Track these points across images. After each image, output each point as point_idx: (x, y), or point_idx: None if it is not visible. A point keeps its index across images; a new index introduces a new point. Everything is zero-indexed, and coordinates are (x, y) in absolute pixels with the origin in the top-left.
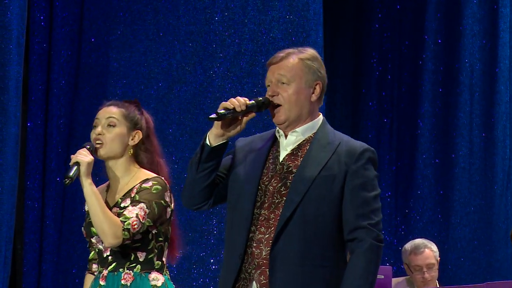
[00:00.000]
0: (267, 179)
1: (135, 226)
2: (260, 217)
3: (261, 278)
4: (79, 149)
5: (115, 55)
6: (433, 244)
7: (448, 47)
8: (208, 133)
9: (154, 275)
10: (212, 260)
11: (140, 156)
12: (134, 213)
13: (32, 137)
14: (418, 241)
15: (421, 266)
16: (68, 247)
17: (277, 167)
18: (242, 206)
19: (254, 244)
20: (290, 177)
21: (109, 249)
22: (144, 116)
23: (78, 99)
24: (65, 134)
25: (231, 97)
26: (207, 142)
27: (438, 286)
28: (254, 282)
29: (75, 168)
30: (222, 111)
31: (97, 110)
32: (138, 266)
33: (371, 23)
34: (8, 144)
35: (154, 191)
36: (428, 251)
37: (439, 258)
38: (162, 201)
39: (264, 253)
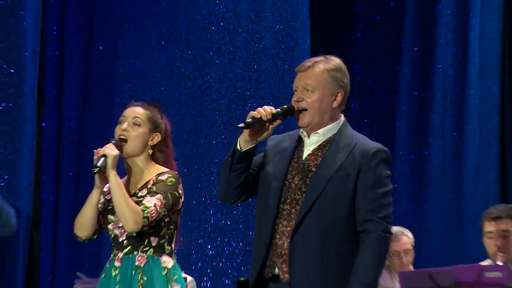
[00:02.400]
0: (290, 177)
1: (153, 215)
2: (284, 212)
3: (283, 266)
4: (106, 143)
5: (121, 62)
6: (409, 231)
7: (423, 54)
8: (238, 138)
9: (164, 258)
10: (209, 246)
11: (156, 155)
12: (152, 202)
13: (46, 136)
14: (396, 229)
15: (399, 252)
16: (82, 249)
17: (300, 165)
18: (269, 201)
19: (278, 236)
20: (310, 176)
21: (125, 234)
22: (164, 121)
23: (88, 102)
24: (77, 133)
25: (233, 105)
26: (238, 147)
27: (412, 269)
28: (277, 268)
29: (102, 159)
30: (250, 120)
31: (124, 108)
32: (151, 250)
33: (355, 32)
34: (25, 142)
35: (169, 183)
36: (405, 238)
37: (414, 244)
38: (176, 193)
39: (286, 244)
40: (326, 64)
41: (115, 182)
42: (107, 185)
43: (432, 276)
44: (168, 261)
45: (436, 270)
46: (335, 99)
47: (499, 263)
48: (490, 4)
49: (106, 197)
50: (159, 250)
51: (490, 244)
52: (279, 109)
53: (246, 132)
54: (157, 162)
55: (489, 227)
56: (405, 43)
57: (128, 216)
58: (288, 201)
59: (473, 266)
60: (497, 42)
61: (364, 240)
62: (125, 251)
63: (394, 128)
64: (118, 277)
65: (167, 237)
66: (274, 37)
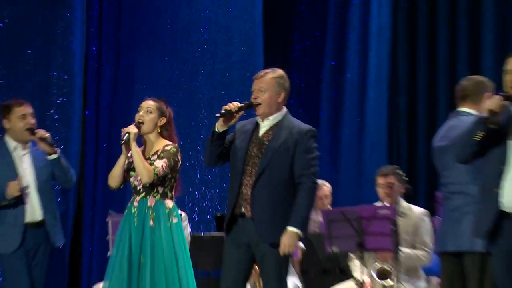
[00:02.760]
0: (251, 148)
1: (160, 172)
2: (247, 171)
3: (247, 207)
4: (129, 125)
5: (138, 71)
6: (328, 183)
7: (337, 67)
8: (216, 124)
9: (167, 201)
10: (196, 193)
11: (163, 132)
12: (160, 164)
13: (89, 120)
14: (320, 181)
15: (321, 196)
16: (112, 195)
17: (257, 140)
18: (237, 165)
19: (243, 187)
20: (264, 147)
21: (141, 185)
22: (168, 109)
23: (116, 97)
24: (109, 118)
25: (218, 103)
26: (216, 129)
27: (330, 208)
28: (243, 208)
29: (126, 135)
30: (223, 111)
31: (140, 102)
32: (158, 195)
33: (293, 52)
34: (75, 124)
35: (172, 152)
36: (325, 187)
37: (331, 191)
38: (176, 158)
39: (248, 193)
40: (273, 74)
41: (135, 151)
42: (130, 152)
43: (343, 212)
44: (169, 203)
45: (345, 208)
46: (279, 97)
47: (387, 204)
48: (383, 37)
49: (129, 160)
50: (164, 195)
51: (381, 192)
52: (243, 104)
53: (221, 119)
54: (163, 137)
55: (380, 180)
56: (326, 59)
57: (144, 172)
58: (250, 164)
59: (370, 206)
60: (386, 57)
61: (300, 189)
62: (141, 196)
63: (319, 117)
64: (136, 213)
65: (169, 187)
66: (240, 55)
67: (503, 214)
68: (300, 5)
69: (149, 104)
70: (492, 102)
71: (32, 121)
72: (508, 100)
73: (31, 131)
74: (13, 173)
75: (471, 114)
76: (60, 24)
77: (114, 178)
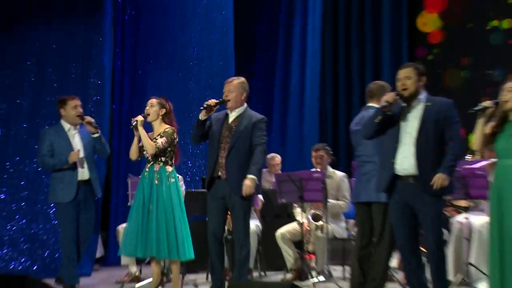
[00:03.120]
0: (223, 131)
1: (160, 146)
2: (221, 147)
3: (223, 171)
4: (138, 115)
5: (150, 80)
6: (279, 155)
7: (285, 76)
8: (200, 114)
9: (168, 167)
10: (189, 162)
11: (165, 120)
12: (160, 141)
13: (115, 113)
14: (273, 154)
15: (274, 164)
16: (131, 165)
17: (228, 126)
18: (214, 143)
19: (219, 158)
20: (232, 130)
21: (150, 156)
22: (168, 104)
23: (133, 99)
24: (128, 111)
25: (203, 100)
26: (200, 118)
27: (281, 172)
28: (219, 172)
29: (135, 122)
30: (205, 106)
31: (147, 100)
32: (161, 163)
33: (255, 65)
34: (104, 116)
35: (169, 133)
36: (277, 158)
37: (280, 161)
38: (172, 136)
39: (223, 162)
40: (238, 80)
41: (142, 132)
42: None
43: (289, 175)
44: (169, 168)
45: (290, 173)
46: (242, 96)
47: (319, 170)
48: (315, 55)
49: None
50: (165, 163)
51: (314, 161)
52: (218, 101)
53: (203, 111)
54: (165, 123)
55: (314, 153)
56: (277, 71)
57: (149, 147)
58: (223, 142)
59: (308, 171)
60: (317, 69)
61: (255, 152)
62: (150, 164)
63: (272, 110)
64: (147, 176)
65: (169, 157)
66: (218, 67)
67: (396, 177)
68: (259, 33)
69: (152, 101)
70: (388, 96)
71: (81, 110)
72: (399, 96)
73: (81, 117)
74: (69, 147)
75: (376, 108)
76: (94, 46)
77: (133, 153)
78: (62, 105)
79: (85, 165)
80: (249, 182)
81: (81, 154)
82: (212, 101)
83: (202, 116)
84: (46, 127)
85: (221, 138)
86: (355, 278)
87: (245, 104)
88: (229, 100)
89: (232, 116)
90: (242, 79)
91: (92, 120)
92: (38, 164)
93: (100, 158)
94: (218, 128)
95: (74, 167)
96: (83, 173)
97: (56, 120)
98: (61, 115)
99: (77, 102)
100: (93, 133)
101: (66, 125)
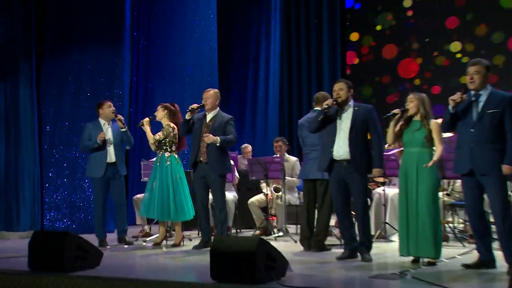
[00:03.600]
0: (203, 127)
1: (157, 138)
2: (202, 139)
3: (204, 156)
4: (145, 117)
5: (157, 90)
6: (250, 145)
7: (255, 88)
8: (186, 115)
9: (166, 153)
10: (186, 152)
11: (170, 118)
12: (158, 134)
13: (132, 114)
14: (246, 144)
15: (247, 152)
16: (145, 152)
17: (206, 123)
18: (196, 136)
19: (201, 146)
20: (209, 127)
21: (153, 145)
22: (174, 107)
23: (146, 101)
24: (142, 111)
25: (190, 101)
26: (186, 117)
27: (251, 158)
28: (201, 157)
29: (141, 122)
30: (190, 108)
31: (155, 106)
32: (163, 150)
33: (233, 79)
34: (124, 117)
35: (166, 128)
36: (249, 147)
37: (251, 149)
38: (170, 129)
39: (204, 149)
40: (214, 90)
41: (147, 130)
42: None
43: (257, 160)
44: (167, 154)
45: (258, 158)
46: (216, 102)
47: (278, 156)
48: (275, 71)
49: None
50: (166, 150)
51: (275, 149)
52: (199, 105)
53: (189, 112)
54: (170, 121)
55: (275, 143)
56: (249, 84)
57: (150, 141)
58: (204, 135)
59: (270, 157)
60: (277, 82)
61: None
62: (158, 151)
63: (245, 113)
64: (158, 159)
65: (168, 146)
66: (206, 82)
67: (333, 160)
68: (236, 56)
69: (158, 107)
70: (328, 101)
71: (114, 109)
72: (335, 102)
73: (115, 115)
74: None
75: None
76: (117, 65)
77: (151, 145)
78: (100, 106)
79: (112, 150)
80: (215, 138)
81: (111, 142)
82: (195, 105)
83: (187, 116)
84: (82, 124)
85: (201, 132)
86: (304, 233)
87: (218, 108)
88: (207, 105)
89: (209, 116)
90: (216, 90)
91: (122, 118)
92: (80, 147)
93: (129, 147)
94: (199, 125)
95: (104, 147)
96: (111, 156)
97: (89, 120)
98: (98, 114)
99: (110, 103)
100: (122, 128)
101: (102, 121)
